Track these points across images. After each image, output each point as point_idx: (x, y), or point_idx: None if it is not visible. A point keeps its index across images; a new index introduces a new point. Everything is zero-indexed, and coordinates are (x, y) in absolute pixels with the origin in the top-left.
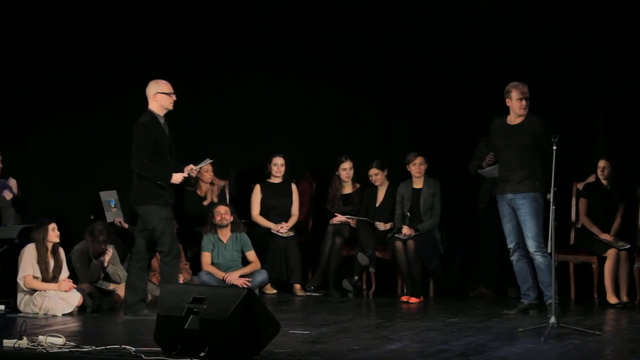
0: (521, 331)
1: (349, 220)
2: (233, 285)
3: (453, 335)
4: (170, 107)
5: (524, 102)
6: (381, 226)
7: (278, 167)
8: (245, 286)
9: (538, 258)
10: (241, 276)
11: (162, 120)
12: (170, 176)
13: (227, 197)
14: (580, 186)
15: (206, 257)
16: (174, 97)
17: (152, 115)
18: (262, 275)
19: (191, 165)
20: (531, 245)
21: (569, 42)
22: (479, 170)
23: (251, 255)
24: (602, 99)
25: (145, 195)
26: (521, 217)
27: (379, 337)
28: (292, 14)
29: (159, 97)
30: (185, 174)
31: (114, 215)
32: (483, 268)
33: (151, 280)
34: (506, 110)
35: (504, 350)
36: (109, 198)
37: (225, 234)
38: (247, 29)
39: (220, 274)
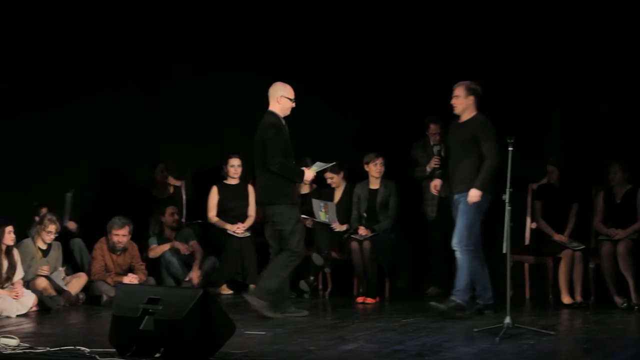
0: (476, 331)
1: (306, 220)
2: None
3: (408, 336)
4: (289, 112)
5: (452, 101)
6: (337, 227)
7: (235, 168)
8: (185, 252)
9: (457, 254)
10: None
11: (283, 122)
12: (303, 173)
13: (184, 197)
14: (535, 187)
15: (152, 247)
16: (294, 104)
17: (278, 117)
18: (209, 261)
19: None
20: (453, 240)
21: (525, 43)
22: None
23: (194, 244)
24: (558, 99)
25: (275, 195)
26: (456, 215)
27: (334, 338)
28: (250, 15)
29: (283, 101)
30: (314, 173)
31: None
32: (434, 268)
33: (106, 281)
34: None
35: (459, 350)
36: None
37: (171, 234)
38: (204, 31)
39: (165, 247)
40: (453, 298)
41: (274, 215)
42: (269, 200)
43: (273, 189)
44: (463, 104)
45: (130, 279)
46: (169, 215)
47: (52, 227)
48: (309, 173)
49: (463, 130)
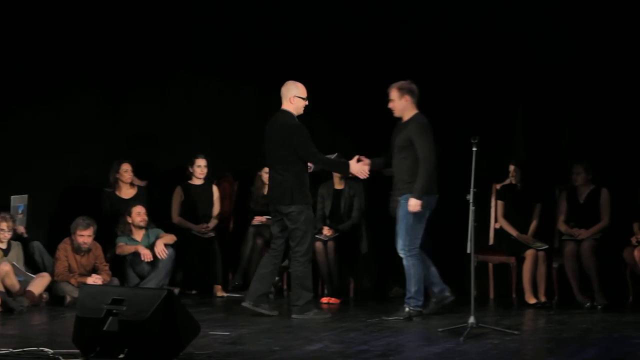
0: (440, 331)
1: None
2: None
3: (373, 336)
4: (302, 111)
5: (389, 104)
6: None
7: (201, 168)
8: (162, 257)
9: (403, 260)
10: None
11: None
12: (348, 165)
13: (148, 197)
14: (498, 187)
15: (120, 244)
16: (307, 103)
17: (294, 117)
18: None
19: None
20: (398, 245)
21: (489, 44)
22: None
23: (162, 234)
24: (521, 99)
25: (296, 195)
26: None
27: (299, 338)
28: (211, 14)
29: (296, 101)
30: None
31: (19, 222)
32: (399, 268)
33: (70, 282)
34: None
35: (424, 350)
36: (19, 203)
37: (139, 234)
38: (167, 31)
39: (132, 248)
40: (405, 306)
41: (289, 215)
42: (289, 200)
43: (291, 188)
44: (399, 105)
45: (94, 279)
46: (136, 215)
47: (3, 225)
48: (359, 166)
49: (402, 131)
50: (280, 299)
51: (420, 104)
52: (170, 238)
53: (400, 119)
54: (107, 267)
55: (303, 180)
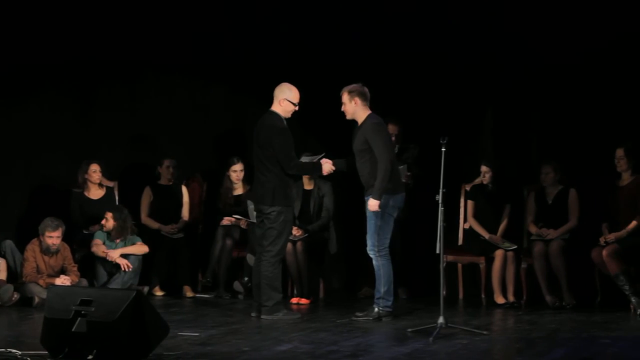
0: (410, 331)
1: (240, 220)
2: (117, 265)
3: (343, 336)
4: (290, 116)
5: (342, 108)
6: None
7: (170, 169)
8: (125, 269)
9: (373, 260)
10: (123, 256)
11: (285, 123)
12: (321, 166)
13: (117, 198)
14: (468, 187)
15: (97, 242)
16: (296, 108)
17: (282, 119)
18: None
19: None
20: (368, 245)
21: (459, 46)
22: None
23: (138, 242)
24: (491, 100)
25: (277, 196)
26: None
27: (269, 339)
28: (179, 15)
29: (285, 104)
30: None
31: None
32: (368, 269)
33: (38, 283)
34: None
35: (393, 350)
36: None
37: (114, 236)
38: (136, 31)
39: (102, 251)
40: (374, 307)
41: (269, 215)
42: (269, 201)
43: (273, 189)
44: (350, 109)
45: (63, 280)
46: (105, 221)
47: None
48: (328, 165)
49: (358, 133)
50: (250, 299)
51: (389, 105)
52: (139, 249)
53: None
54: (75, 268)
55: (285, 181)
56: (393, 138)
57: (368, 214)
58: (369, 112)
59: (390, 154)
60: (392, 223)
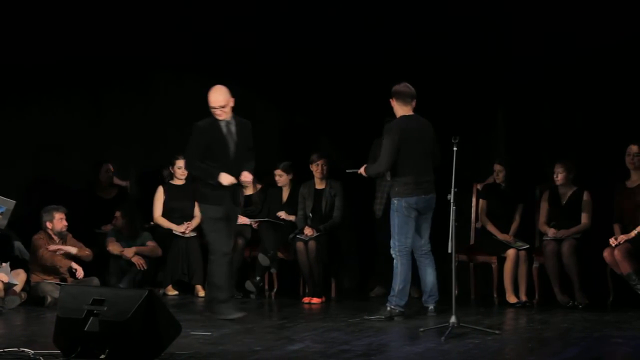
0: (422, 331)
1: (251, 222)
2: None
3: (354, 336)
4: (217, 117)
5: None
6: (283, 215)
7: (182, 169)
8: (141, 268)
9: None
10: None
11: (223, 124)
12: (218, 175)
13: (127, 198)
14: (479, 187)
15: (111, 240)
16: (215, 111)
17: (210, 118)
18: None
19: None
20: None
21: (468, 42)
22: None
23: (151, 243)
24: (502, 99)
25: (200, 195)
26: None
27: (281, 338)
28: (192, 13)
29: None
30: (234, 180)
31: None
32: (380, 268)
33: (50, 281)
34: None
35: (405, 350)
36: (1, 205)
37: (125, 234)
38: (148, 30)
39: (118, 249)
40: (387, 305)
41: (200, 214)
42: (198, 200)
43: (198, 188)
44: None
45: (79, 272)
46: (115, 220)
47: None
48: (226, 177)
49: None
50: (262, 299)
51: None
52: (153, 251)
53: None
54: (82, 245)
55: (203, 179)
56: None
57: (390, 216)
58: (403, 112)
59: (390, 156)
60: (411, 224)
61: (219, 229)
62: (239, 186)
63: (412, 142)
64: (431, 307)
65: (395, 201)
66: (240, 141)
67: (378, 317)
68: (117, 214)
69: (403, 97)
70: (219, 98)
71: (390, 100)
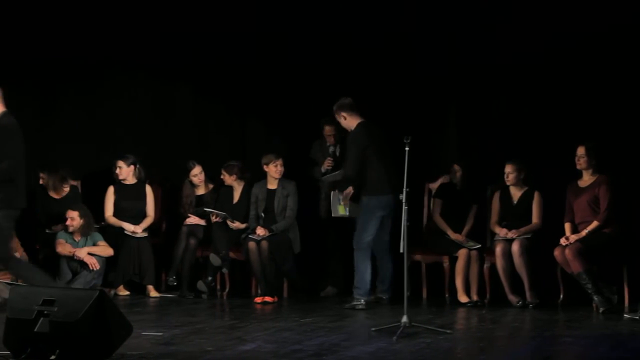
0: (374, 330)
1: (212, 215)
2: (82, 264)
3: (306, 335)
4: None
5: None
6: (232, 224)
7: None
8: (93, 268)
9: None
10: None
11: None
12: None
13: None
14: (432, 186)
15: (61, 242)
16: None
17: (3, 113)
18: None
19: None
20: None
21: (420, 42)
22: (323, 178)
23: (102, 242)
24: (453, 99)
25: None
26: None
27: (232, 338)
28: (144, 14)
29: None
30: None
31: None
32: (331, 268)
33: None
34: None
35: (357, 349)
36: None
37: (77, 235)
38: (99, 30)
39: (68, 250)
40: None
41: None
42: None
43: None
44: (345, 125)
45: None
46: (70, 220)
47: None
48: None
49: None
50: (214, 299)
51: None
52: (105, 251)
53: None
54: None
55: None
56: (331, 139)
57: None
58: (357, 121)
59: (356, 166)
60: (375, 223)
61: (4, 235)
62: None
63: (378, 144)
64: (385, 297)
65: (365, 199)
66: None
67: (349, 305)
68: (74, 213)
69: (351, 108)
70: None
71: (339, 115)
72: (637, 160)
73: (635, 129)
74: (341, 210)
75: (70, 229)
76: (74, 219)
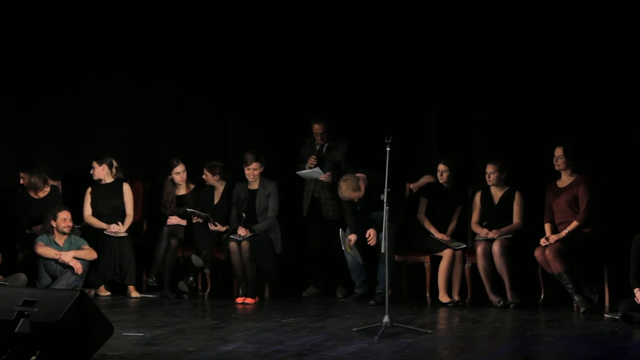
0: (355, 331)
1: (193, 215)
2: (67, 266)
3: (288, 336)
4: None
5: None
6: (212, 227)
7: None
8: (78, 272)
9: None
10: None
11: None
12: None
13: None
14: (413, 186)
15: (41, 244)
16: None
17: None
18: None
19: None
20: None
21: (399, 43)
22: (297, 172)
23: (86, 247)
24: (434, 99)
25: None
26: None
27: (214, 339)
28: (125, 13)
29: None
30: None
31: None
32: (312, 268)
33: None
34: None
35: (339, 349)
36: None
37: (61, 238)
38: (79, 31)
39: (53, 253)
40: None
41: None
42: None
43: None
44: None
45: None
46: (61, 221)
47: None
48: None
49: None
50: (195, 299)
51: (332, 105)
52: (89, 255)
53: None
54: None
55: None
56: (318, 137)
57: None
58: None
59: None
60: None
61: None
62: None
63: None
64: (361, 291)
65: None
66: None
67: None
68: (67, 214)
69: None
70: None
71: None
72: (616, 160)
73: (613, 128)
74: (347, 249)
75: (67, 230)
76: (67, 220)
